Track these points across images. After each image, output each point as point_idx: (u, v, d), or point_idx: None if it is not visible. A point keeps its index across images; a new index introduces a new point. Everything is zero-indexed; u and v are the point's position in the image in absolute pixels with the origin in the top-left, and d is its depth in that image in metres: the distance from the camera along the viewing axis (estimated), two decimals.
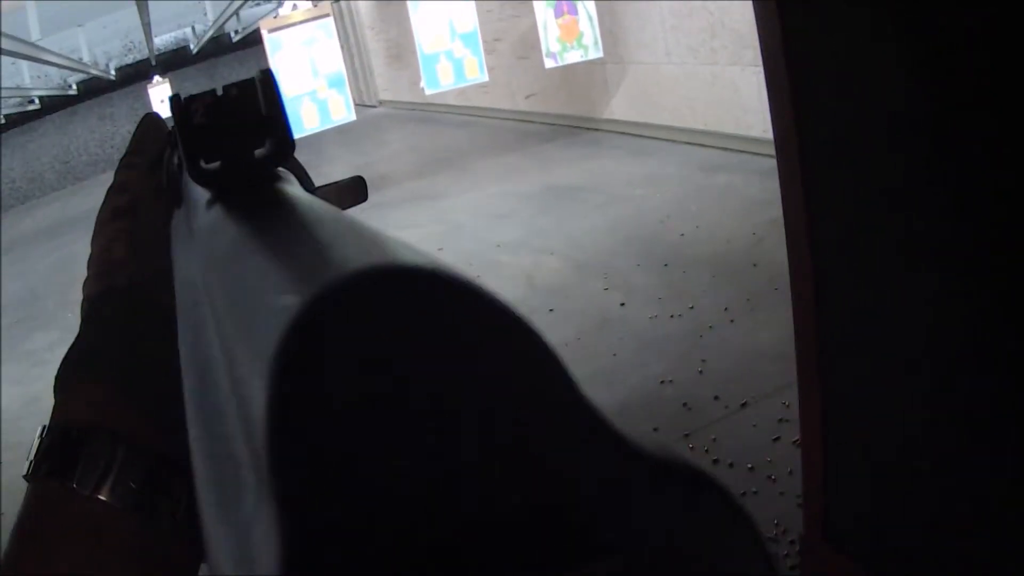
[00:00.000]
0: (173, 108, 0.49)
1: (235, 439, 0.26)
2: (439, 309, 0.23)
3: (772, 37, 1.71)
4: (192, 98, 0.50)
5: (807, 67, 1.72)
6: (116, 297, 0.69)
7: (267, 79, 0.49)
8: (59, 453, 0.59)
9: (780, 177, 1.78)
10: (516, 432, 0.23)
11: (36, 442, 0.60)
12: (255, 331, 0.25)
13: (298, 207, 0.40)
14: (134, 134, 0.80)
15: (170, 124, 0.59)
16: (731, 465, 3.53)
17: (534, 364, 0.23)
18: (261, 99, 0.49)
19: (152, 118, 0.82)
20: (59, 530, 0.58)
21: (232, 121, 0.50)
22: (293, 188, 0.49)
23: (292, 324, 0.22)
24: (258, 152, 0.50)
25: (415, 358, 0.22)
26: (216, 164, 0.49)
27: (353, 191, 0.84)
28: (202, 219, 0.50)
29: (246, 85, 0.50)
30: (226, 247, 0.39)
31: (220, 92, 0.50)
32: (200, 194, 0.52)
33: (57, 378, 0.65)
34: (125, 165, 0.77)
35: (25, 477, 0.60)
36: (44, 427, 0.61)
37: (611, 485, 0.23)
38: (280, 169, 0.53)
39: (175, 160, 0.71)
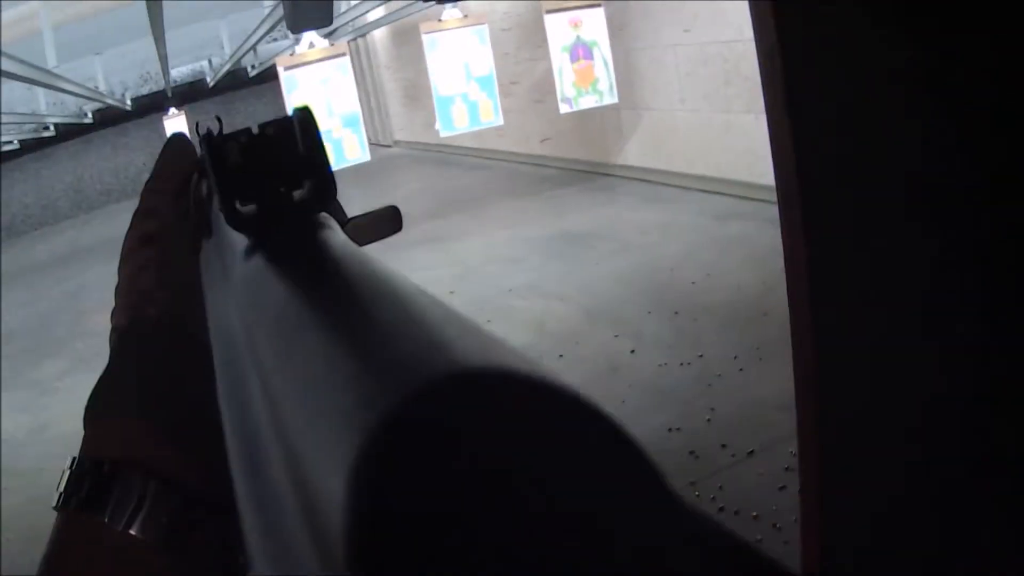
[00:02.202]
0: (207, 147, 0.48)
1: (295, 531, 0.24)
2: (541, 419, 0.21)
3: (775, 88, 1.73)
4: (227, 137, 0.48)
5: (810, 118, 1.73)
6: (146, 328, 0.68)
7: (306, 117, 0.48)
8: (90, 486, 0.58)
9: (782, 228, 1.79)
10: (616, 552, 0.21)
11: (66, 473, 0.59)
12: (329, 428, 0.23)
13: (355, 269, 0.38)
14: (160, 156, 0.79)
15: (197, 141, 0.55)
16: (736, 513, 3.52)
17: (631, 480, 0.21)
18: (299, 138, 0.48)
19: (179, 139, 0.81)
20: (89, 564, 0.57)
21: (269, 162, 0.48)
22: (340, 240, 0.46)
23: (378, 433, 0.20)
24: (297, 194, 0.49)
25: (510, 473, 0.21)
26: (252, 208, 0.48)
27: (388, 221, 0.82)
28: (241, 267, 0.47)
29: (283, 123, 0.49)
30: (276, 314, 0.36)
31: (256, 131, 0.49)
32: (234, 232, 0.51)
33: (87, 409, 0.64)
34: (151, 189, 0.76)
35: (55, 508, 0.58)
36: (74, 458, 0.60)
37: None
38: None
39: (203, 189, 0.69)
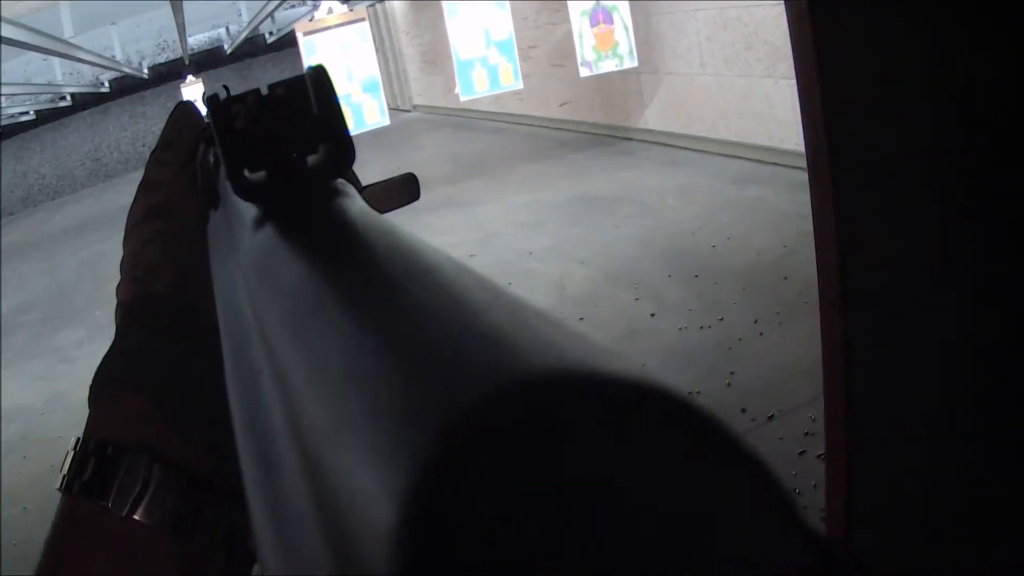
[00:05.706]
0: (211, 110, 0.44)
1: (319, 555, 0.21)
2: (635, 428, 0.18)
3: (806, 51, 1.72)
4: (233, 99, 0.45)
5: (841, 82, 1.72)
6: (152, 304, 0.66)
7: (320, 76, 0.44)
8: (94, 470, 0.57)
9: (811, 193, 1.79)
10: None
11: (70, 454, 0.58)
12: (368, 443, 0.19)
13: (381, 242, 0.34)
14: (166, 125, 0.76)
15: (205, 113, 0.53)
16: None
17: (757, 501, 0.19)
18: (313, 98, 0.44)
19: (185, 108, 0.78)
20: (92, 549, 0.57)
21: (280, 125, 0.44)
22: (361, 209, 0.41)
23: (437, 455, 0.17)
24: (311, 159, 0.45)
25: (612, 503, 0.17)
26: (261, 174, 0.44)
27: (404, 189, 0.77)
28: (249, 239, 0.43)
29: (295, 83, 0.45)
30: (292, 295, 0.32)
31: (265, 92, 0.45)
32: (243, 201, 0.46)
33: (92, 387, 0.62)
34: (156, 160, 0.73)
35: (58, 489, 0.58)
36: (78, 439, 0.59)
37: None
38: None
39: (211, 157, 0.66)
